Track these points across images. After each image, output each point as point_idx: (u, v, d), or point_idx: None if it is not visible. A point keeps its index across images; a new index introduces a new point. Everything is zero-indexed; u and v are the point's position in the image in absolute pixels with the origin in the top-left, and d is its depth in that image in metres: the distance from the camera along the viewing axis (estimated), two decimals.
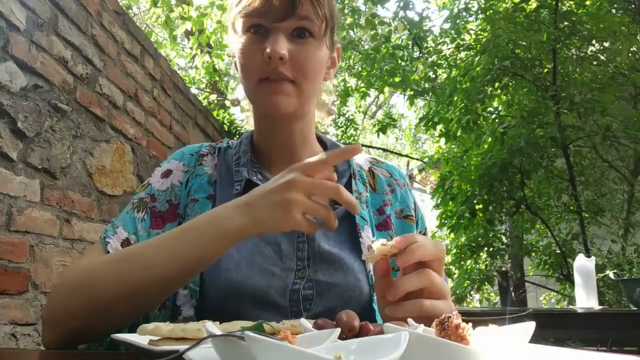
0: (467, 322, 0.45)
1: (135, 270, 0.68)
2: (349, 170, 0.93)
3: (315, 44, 0.82)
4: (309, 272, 0.81)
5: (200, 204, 0.85)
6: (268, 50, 0.77)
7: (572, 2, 4.60)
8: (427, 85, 5.34)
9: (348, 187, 0.91)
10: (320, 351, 0.39)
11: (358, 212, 0.71)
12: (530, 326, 0.47)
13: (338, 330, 0.46)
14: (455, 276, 5.41)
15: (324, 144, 0.98)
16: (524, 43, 4.24)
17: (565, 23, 4.25)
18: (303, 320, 0.56)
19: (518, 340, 0.46)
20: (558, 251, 4.59)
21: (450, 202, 4.80)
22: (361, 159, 1.00)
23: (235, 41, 0.85)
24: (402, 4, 5.30)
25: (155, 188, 0.88)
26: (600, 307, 2.52)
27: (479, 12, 4.96)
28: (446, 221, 4.92)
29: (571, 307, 3.01)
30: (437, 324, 0.45)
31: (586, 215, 4.40)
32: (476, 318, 0.55)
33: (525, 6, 4.46)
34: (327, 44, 0.85)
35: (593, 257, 2.56)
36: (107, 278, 0.70)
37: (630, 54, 4.26)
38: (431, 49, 5.50)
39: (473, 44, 4.97)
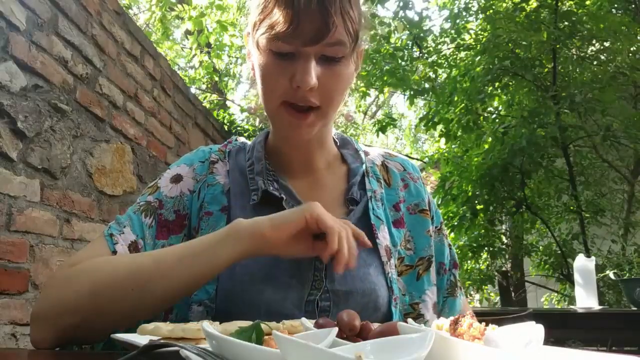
0: (480, 322, 0.45)
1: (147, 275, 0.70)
2: (361, 168, 0.91)
3: (344, 64, 0.77)
4: (326, 282, 0.80)
5: (215, 218, 0.83)
6: (297, 78, 0.73)
7: (572, 2, 4.60)
8: (427, 85, 5.34)
9: (362, 185, 0.89)
10: (341, 350, 0.39)
11: (368, 244, 0.76)
12: (539, 329, 0.47)
13: (336, 330, 0.45)
14: None
15: (335, 140, 0.97)
16: (524, 43, 4.24)
17: (565, 23, 4.24)
18: (304, 320, 0.56)
19: (532, 342, 0.46)
20: (558, 251, 4.59)
21: (452, 203, 4.79)
22: (374, 154, 0.98)
23: (254, 53, 0.80)
24: (401, 3, 5.30)
25: (163, 193, 0.85)
26: (600, 307, 2.52)
27: (479, 12, 4.96)
28: (447, 222, 4.91)
29: (571, 307, 3.01)
30: (451, 323, 0.45)
31: (586, 215, 4.40)
32: (476, 318, 0.55)
33: (526, 6, 4.46)
34: (354, 59, 0.80)
35: (593, 257, 2.56)
36: (117, 274, 0.70)
37: (630, 54, 4.25)
38: (431, 48, 5.50)
39: (473, 44, 4.97)
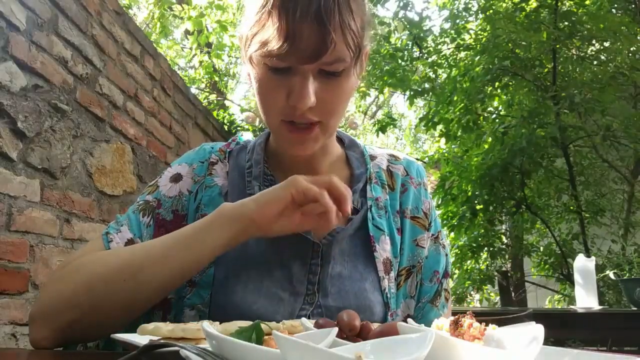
0: (480, 322, 0.45)
1: (135, 262, 0.70)
2: (365, 174, 0.88)
3: (345, 78, 0.73)
4: (319, 297, 0.78)
5: None
6: (294, 98, 0.70)
7: (572, 2, 4.60)
8: (427, 85, 5.34)
9: (363, 192, 0.86)
10: (341, 350, 0.39)
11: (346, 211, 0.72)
12: (539, 330, 0.47)
13: (336, 330, 0.45)
14: (455, 276, 5.42)
15: (342, 141, 0.94)
16: (524, 43, 4.24)
17: (565, 23, 4.25)
18: (304, 320, 0.56)
19: (531, 343, 0.46)
20: (558, 251, 4.59)
21: (451, 203, 4.80)
22: (380, 158, 0.93)
23: (250, 67, 0.76)
24: (401, 3, 5.30)
25: (162, 192, 0.85)
26: (600, 307, 2.52)
27: (479, 12, 4.96)
28: (447, 222, 4.92)
29: (571, 307, 3.02)
30: (451, 323, 0.45)
31: (586, 215, 4.41)
32: (476, 318, 0.55)
33: (525, 6, 4.46)
34: (356, 70, 0.75)
35: (593, 257, 2.56)
36: (110, 267, 0.70)
37: (630, 54, 4.25)
38: (431, 49, 5.50)
39: (473, 44, 4.97)
